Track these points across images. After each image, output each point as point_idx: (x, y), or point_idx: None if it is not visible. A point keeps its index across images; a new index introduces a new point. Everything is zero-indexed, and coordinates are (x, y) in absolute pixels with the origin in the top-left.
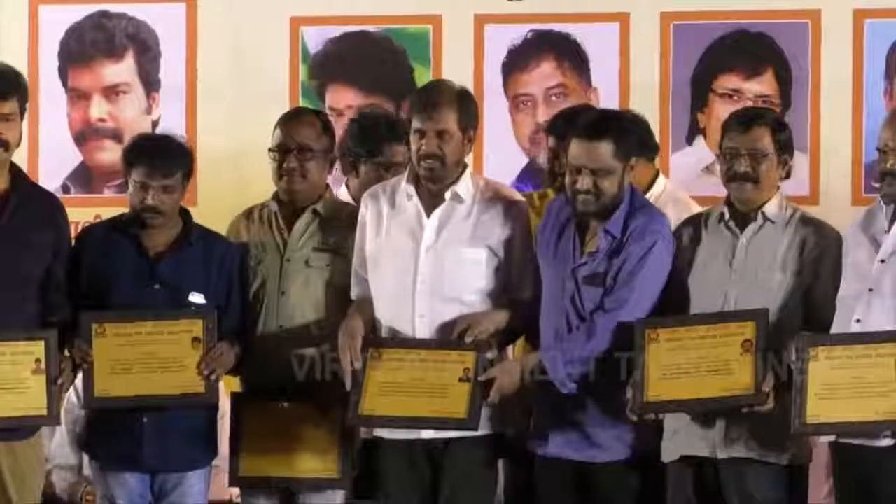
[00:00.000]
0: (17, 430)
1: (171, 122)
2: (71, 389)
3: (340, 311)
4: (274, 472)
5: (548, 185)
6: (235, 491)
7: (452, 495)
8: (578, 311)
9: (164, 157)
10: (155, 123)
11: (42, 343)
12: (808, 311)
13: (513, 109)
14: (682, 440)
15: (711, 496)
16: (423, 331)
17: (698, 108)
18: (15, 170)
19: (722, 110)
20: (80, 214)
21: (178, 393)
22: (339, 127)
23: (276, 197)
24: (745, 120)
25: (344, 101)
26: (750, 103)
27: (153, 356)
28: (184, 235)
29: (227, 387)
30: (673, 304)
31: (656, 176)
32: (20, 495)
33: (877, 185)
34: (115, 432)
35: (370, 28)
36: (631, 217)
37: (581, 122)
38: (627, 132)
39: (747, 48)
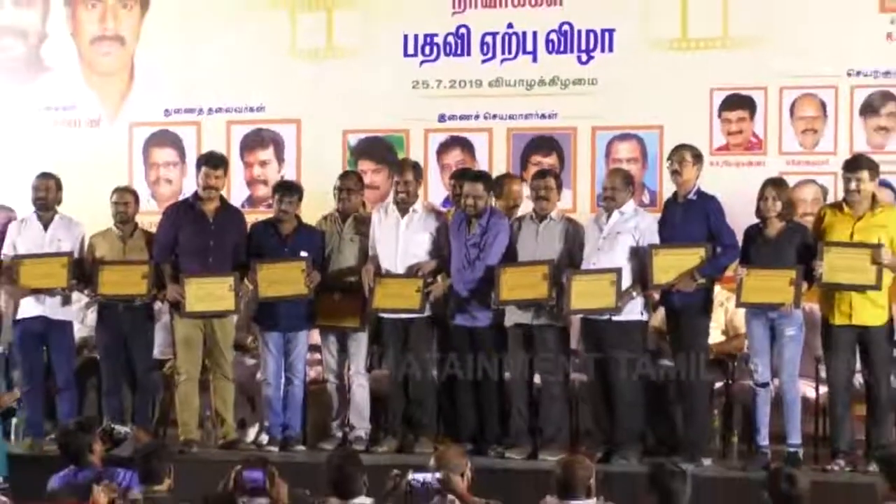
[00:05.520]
0: (222, 315)
1: (290, 176)
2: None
3: (364, 261)
4: (332, 322)
5: (454, 205)
6: (318, 340)
7: (415, 342)
8: (469, 260)
9: (290, 187)
10: (282, 177)
11: (232, 277)
12: (570, 260)
13: (441, 171)
14: (516, 314)
15: (529, 345)
16: (400, 270)
17: (523, 170)
18: (222, 198)
19: (533, 172)
20: (250, 218)
21: (296, 293)
22: (365, 177)
23: (337, 210)
24: (542, 174)
25: (367, 167)
26: (546, 167)
27: (284, 277)
28: (298, 227)
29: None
30: (510, 257)
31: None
32: (222, 341)
33: (601, 203)
34: (266, 312)
35: (379, 134)
36: (491, 217)
37: (470, 174)
38: (491, 178)
39: (545, 143)
